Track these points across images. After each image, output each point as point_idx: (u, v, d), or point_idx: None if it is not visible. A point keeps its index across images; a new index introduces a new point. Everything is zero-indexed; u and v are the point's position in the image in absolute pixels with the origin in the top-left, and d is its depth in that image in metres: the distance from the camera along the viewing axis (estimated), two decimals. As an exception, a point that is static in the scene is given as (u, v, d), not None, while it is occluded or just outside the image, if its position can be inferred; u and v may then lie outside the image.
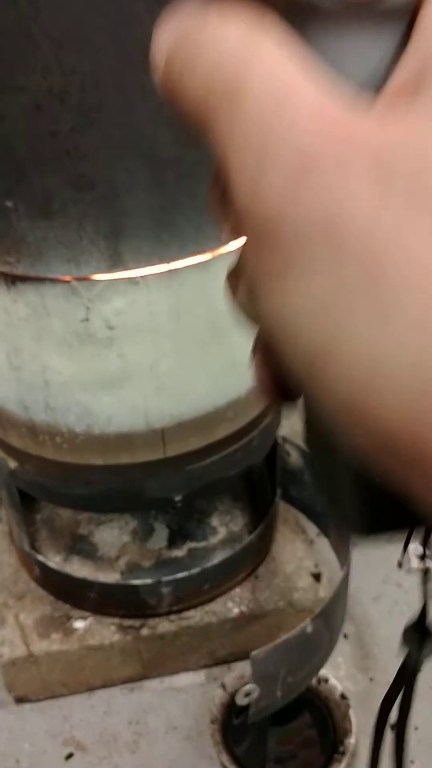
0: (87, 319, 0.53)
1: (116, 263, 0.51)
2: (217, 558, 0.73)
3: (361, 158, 0.14)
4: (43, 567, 0.74)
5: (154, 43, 0.18)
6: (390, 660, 0.79)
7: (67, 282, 0.51)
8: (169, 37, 0.17)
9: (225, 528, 0.78)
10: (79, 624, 0.73)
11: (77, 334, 0.54)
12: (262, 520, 0.76)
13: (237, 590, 0.75)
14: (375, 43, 0.18)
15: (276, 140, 0.15)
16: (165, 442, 0.61)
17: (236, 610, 0.73)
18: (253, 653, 0.55)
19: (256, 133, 0.15)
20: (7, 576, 0.78)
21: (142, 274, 0.51)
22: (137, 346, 0.55)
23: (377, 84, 0.18)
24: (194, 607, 0.74)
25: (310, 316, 0.15)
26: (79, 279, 0.51)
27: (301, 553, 0.78)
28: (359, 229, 0.14)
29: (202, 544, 0.76)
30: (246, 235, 0.16)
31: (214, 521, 0.78)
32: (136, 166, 0.47)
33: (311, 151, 0.15)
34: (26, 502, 0.72)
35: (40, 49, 0.43)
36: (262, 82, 0.15)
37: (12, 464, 0.66)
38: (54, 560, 0.75)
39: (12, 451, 0.65)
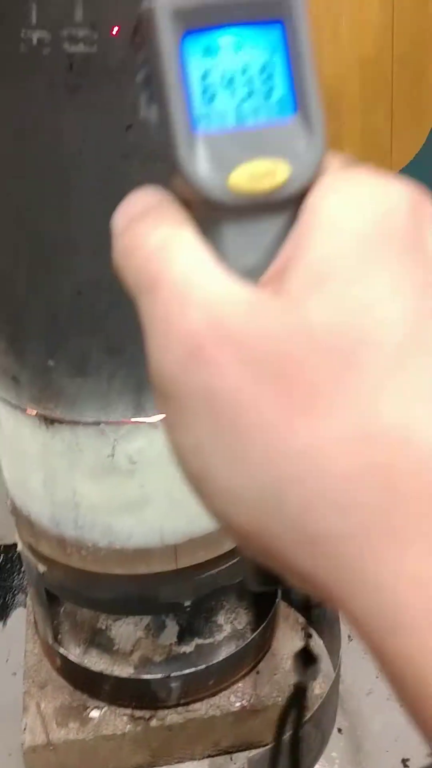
0: (113, 455, 0.62)
1: (139, 411, 0.60)
2: (222, 654, 0.80)
3: (231, 346, 0.19)
4: (64, 659, 0.81)
5: (113, 223, 0.22)
6: (383, 754, 0.85)
7: (97, 425, 0.61)
8: (120, 224, 0.22)
9: (230, 625, 0.85)
10: (94, 713, 0.80)
11: (104, 466, 0.63)
12: (264, 618, 0.84)
13: (239, 684, 0.82)
14: (268, 231, 0.21)
15: (174, 328, 0.20)
16: (177, 555, 0.69)
17: (238, 704, 0.80)
18: (250, 756, 0.62)
19: (162, 320, 0.20)
20: (31, 665, 0.85)
21: (161, 419, 0.61)
22: (155, 476, 0.64)
23: (266, 266, 0.21)
24: (200, 700, 0.80)
25: (193, 453, 0.20)
26: (107, 423, 0.61)
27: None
28: (226, 398, 0.19)
29: (209, 640, 0.83)
30: (155, 389, 0.21)
31: (220, 619, 0.86)
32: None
33: (196, 340, 0.19)
34: (51, 596, 0.80)
35: (80, 252, 0.54)
36: (171, 283, 0.20)
37: (41, 568, 0.75)
38: (74, 652, 0.83)
39: (42, 558, 0.74)
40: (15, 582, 1.15)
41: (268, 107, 0.21)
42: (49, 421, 0.62)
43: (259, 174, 0.20)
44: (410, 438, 0.18)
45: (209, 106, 0.21)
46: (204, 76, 0.20)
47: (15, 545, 1.21)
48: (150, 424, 0.61)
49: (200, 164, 0.20)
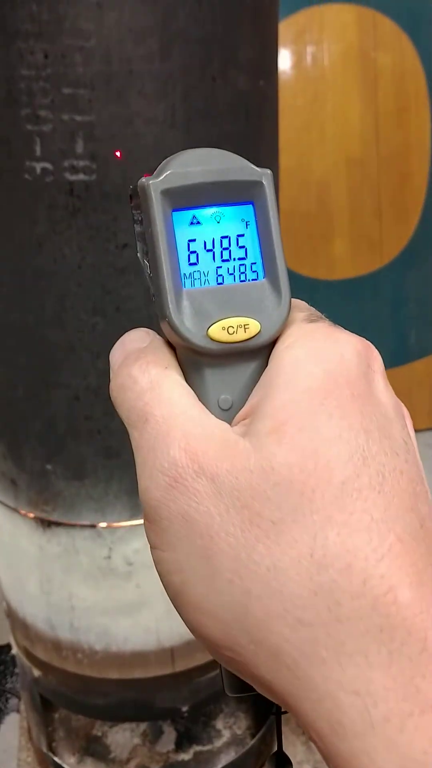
0: (109, 557, 0.62)
1: (135, 513, 0.61)
2: (222, 762, 0.78)
3: (206, 479, 0.22)
4: (59, 768, 0.78)
5: (111, 356, 0.25)
6: None
7: (94, 527, 0.61)
8: (116, 360, 0.25)
9: (229, 731, 0.83)
10: None
11: (101, 568, 0.63)
12: (264, 721, 0.81)
13: (241, 795, 0.79)
14: (242, 373, 0.24)
15: (159, 461, 0.22)
16: (174, 659, 0.68)
17: None
18: None
19: (149, 451, 0.23)
20: (24, 776, 0.82)
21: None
22: (151, 578, 0.63)
23: (241, 402, 0.24)
24: None
25: (172, 569, 0.22)
26: (104, 526, 0.61)
27: (300, 756, 0.82)
28: (201, 524, 0.21)
29: (207, 747, 0.80)
30: (143, 509, 0.24)
31: (219, 724, 0.83)
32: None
33: (177, 472, 0.22)
34: (46, 701, 0.78)
35: (78, 360, 0.56)
36: (157, 420, 0.23)
37: (36, 672, 0.74)
38: (69, 762, 0.80)
39: (37, 662, 0.73)
40: (8, 685, 1.12)
41: (242, 270, 0.25)
42: (46, 524, 0.63)
43: (234, 328, 0.24)
44: (352, 564, 0.20)
45: (193, 267, 0.24)
46: (189, 243, 0.24)
47: (8, 646, 1.19)
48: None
49: (185, 317, 0.24)
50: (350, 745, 0.20)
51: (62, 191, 0.51)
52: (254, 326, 0.24)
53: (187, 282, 0.24)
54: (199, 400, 0.24)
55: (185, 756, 0.79)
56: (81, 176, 0.49)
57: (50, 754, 0.79)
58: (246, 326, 0.24)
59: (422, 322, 1.60)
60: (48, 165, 0.49)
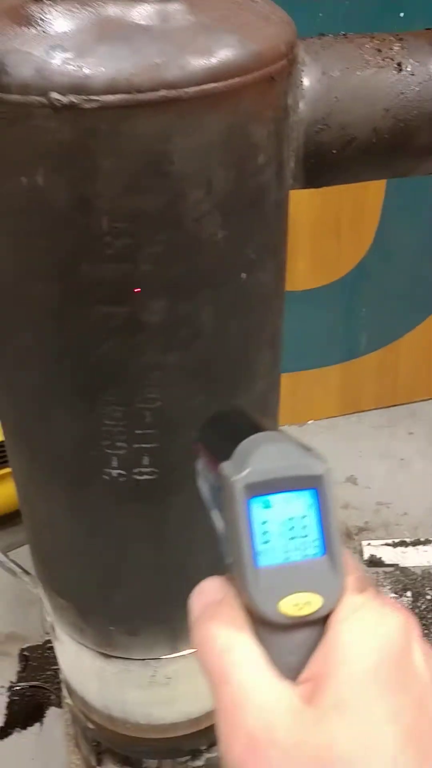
0: (154, 675, 0.85)
1: (173, 649, 0.83)
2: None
3: (277, 749, 0.24)
4: (106, 777, 1.06)
5: (190, 603, 0.29)
6: None
7: (143, 660, 0.83)
8: (196, 611, 0.28)
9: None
10: None
11: (147, 682, 0.86)
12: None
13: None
14: (305, 640, 0.27)
15: (237, 726, 0.25)
16: (199, 722, 0.93)
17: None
18: None
19: (228, 713, 0.26)
20: (76, 777, 1.09)
21: (190, 652, 0.84)
22: (185, 684, 0.87)
23: (302, 666, 0.27)
24: (211, 799, 1.06)
25: None
26: (150, 658, 0.83)
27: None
28: None
29: (214, 754, 1.08)
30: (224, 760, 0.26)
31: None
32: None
33: (252, 741, 0.25)
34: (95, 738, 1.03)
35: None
36: (234, 686, 0.26)
37: (89, 724, 0.98)
38: (112, 771, 1.07)
39: (90, 720, 0.97)
40: (46, 678, 1.34)
41: (306, 547, 0.27)
42: (106, 656, 0.84)
43: (300, 604, 0.27)
44: None
45: (266, 545, 0.27)
46: (262, 524, 0.27)
47: (44, 644, 1.41)
48: (181, 656, 0.84)
49: (260, 592, 0.27)
50: None
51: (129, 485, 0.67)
52: (317, 601, 0.27)
53: (261, 559, 0.27)
54: (268, 658, 0.27)
55: (199, 763, 1.07)
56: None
57: (97, 766, 1.06)
58: (310, 602, 0.27)
59: (372, 325, 1.79)
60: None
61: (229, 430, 0.31)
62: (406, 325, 1.79)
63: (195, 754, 1.01)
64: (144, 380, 0.58)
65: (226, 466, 0.28)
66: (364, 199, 1.58)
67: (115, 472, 0.66)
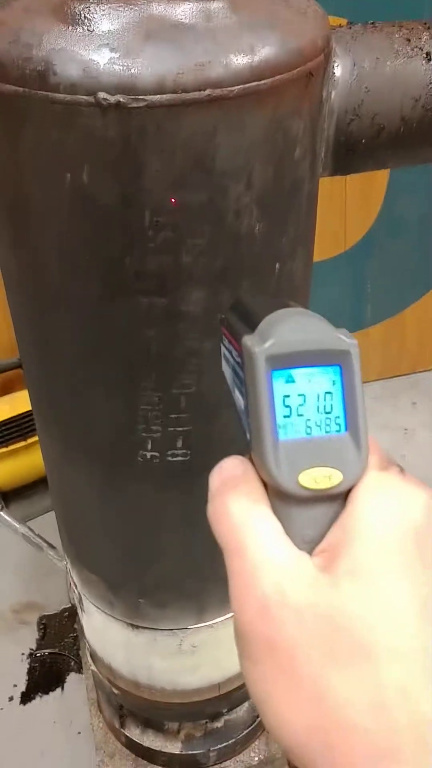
0: (180, 644, 0.89)
1: (199, 619, 0.86)
2: (244, 725, 1.11)
3: (290, 610, 0.25)
4: (128, 738, 1.10)
5: (210, 479, 0.29)
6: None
7: (171, 630, 0.87)
8: (214, 485, 0.28)
9: (247, 702, 1.15)
10: (154, 775, 1.10)
11: (173, 651, 0.89)
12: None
13: (256, 743, 1.13)
14: (323, 514, 0.27)
15: (251, 589, 0.25)
16: (220, 688, 0.97)
17: (256, 759, 1.12)
18: None
19: (242, 579, 0.26)
20: (100, 738, 1.14)
21: (216, 622, 0.87)
22: (209, 653, 0.90)
23: (320, 538, 0.26)
24: (229, 758, 1.11)
25: (258, 682, 0.26)
26: (177, 629, 0.87)
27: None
28: (284, 648, 0.25)
29: (233, 716, 1.13)
30: (235, 627, 0.27)
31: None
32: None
33: (265, 602, 0.25)
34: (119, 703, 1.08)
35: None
36: (249, 553, 0.26)
37: (116, 691, 1.02)
38: (135, 733, 1.12)
39: (115, 686, 1.01)
40: (65, 646, 1.39)
41: (328, 423, 0.27)
42: (134, 626, 0.88)
43: (320, 478, 0.27)
44: (408, 693, 0.23)
45: (287, 419, 0.27)
46: (284, 398, 0.27)
47: (61, 612, 1.45)
48: (206, 625, 0.87)
49: (280, 465, 0.26)
50: None
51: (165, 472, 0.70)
52: (337, 476, 0.26)
53: (281, 432, 0.26)
54: (285, 530, 0.27)
55: (218, 724, 1.12)
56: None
57: (122, 731, 1.10)
58: (330, 477, 0.26)
59: (376, 297, 1.80)
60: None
61: (255, 310, 0.29)
62: (410, 296, 1.80)
63: (215, 716, 1.05)
64: (182, 367, 0.60)
65: (248, 339, 0.27)
66: (370, 174, 1.58)
67: (149, 454, 0.68)
